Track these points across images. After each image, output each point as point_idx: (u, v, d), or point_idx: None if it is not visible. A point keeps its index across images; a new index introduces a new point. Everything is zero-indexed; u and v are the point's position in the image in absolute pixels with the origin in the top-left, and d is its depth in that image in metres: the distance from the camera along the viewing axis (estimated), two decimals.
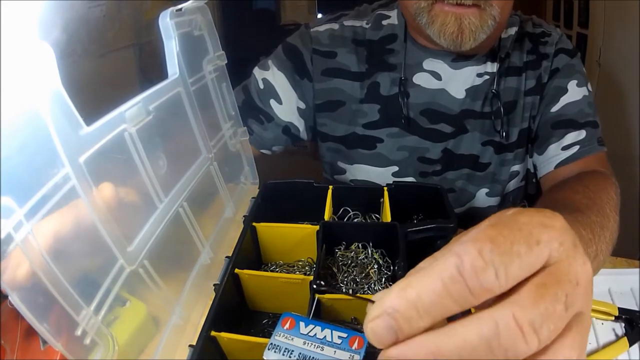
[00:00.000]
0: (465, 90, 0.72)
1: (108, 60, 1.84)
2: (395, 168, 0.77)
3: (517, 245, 0.20)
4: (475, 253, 0.20)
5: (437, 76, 0.72)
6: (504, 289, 0.20)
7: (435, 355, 0.20)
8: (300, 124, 0.79)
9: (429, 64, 0.72)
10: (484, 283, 0.20)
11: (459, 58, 0.71)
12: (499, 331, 0.19)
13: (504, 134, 0.72)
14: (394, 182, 0.61)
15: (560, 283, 0.21)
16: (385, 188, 0.59)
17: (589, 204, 0.54)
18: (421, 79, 0.73)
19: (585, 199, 0.55)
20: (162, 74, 0.49)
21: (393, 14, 0.75)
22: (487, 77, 0.72)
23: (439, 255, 0.21)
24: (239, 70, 0.78)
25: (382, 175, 0.78)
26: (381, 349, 0.22)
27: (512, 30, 0.73)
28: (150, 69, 1.99)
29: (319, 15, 2.54)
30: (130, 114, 0.41)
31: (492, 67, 0.72)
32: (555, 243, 0.21)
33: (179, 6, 0.50)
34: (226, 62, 0.61)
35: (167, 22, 0.48)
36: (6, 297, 0.27)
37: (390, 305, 0.21)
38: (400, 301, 0.21)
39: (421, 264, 0.23)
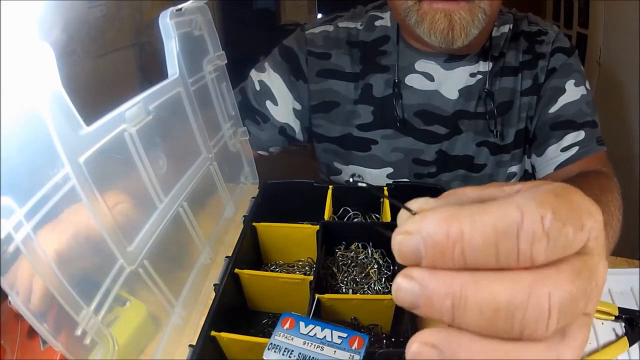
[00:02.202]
0: (459, 90, 0.72)
1: (108, 60, 1.85)
2: (390, 170, 0.77)
3: (569, 226, 0.19)
4: (538, 218, 0.18)
5: (430, 77, 0.72)
6: (542, 263, 0.18)
7: (454, 301, 0.19)
8: (296, 125, 0.80)
9: (421, 65, 0.72)
10: (533, 251, 0.18)
11: (451, 59, 0.70)
12: (528, 305, 0.18)
13: (498, 134, 0.72)
14: (393, 182, 0.61)
15: (590, 278, 0.19)
16: (385, 188, 0.59)
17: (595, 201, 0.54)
18: (414, 81, 0.73)
19: (592, 197, 0.55)
20: (162, 74, 0.49)
21: (386, 16, 0.75)
22: (480, 76, 0.71)
23: (498, 196, 0.20)
24: (239, 70, 0.78)
25: (377, 177, 0.77)
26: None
27: (505, 28, 0.72)
28: (150, 69, 1.99)
29: (319, 15, 2.55)
30: (130, 114, 0.41)
31: (484, 66, 0.71)
32: (594, 234, 0.20)
33: (179, 6, 0.50)
34: (226, 62, 0.61)
35: (167, 22, 0.48)
36: (6, 297, 0.27)
37: (428, 231, 0.19)
38: (440, 231, 0.18)
39: (469, 192, 0.22)
